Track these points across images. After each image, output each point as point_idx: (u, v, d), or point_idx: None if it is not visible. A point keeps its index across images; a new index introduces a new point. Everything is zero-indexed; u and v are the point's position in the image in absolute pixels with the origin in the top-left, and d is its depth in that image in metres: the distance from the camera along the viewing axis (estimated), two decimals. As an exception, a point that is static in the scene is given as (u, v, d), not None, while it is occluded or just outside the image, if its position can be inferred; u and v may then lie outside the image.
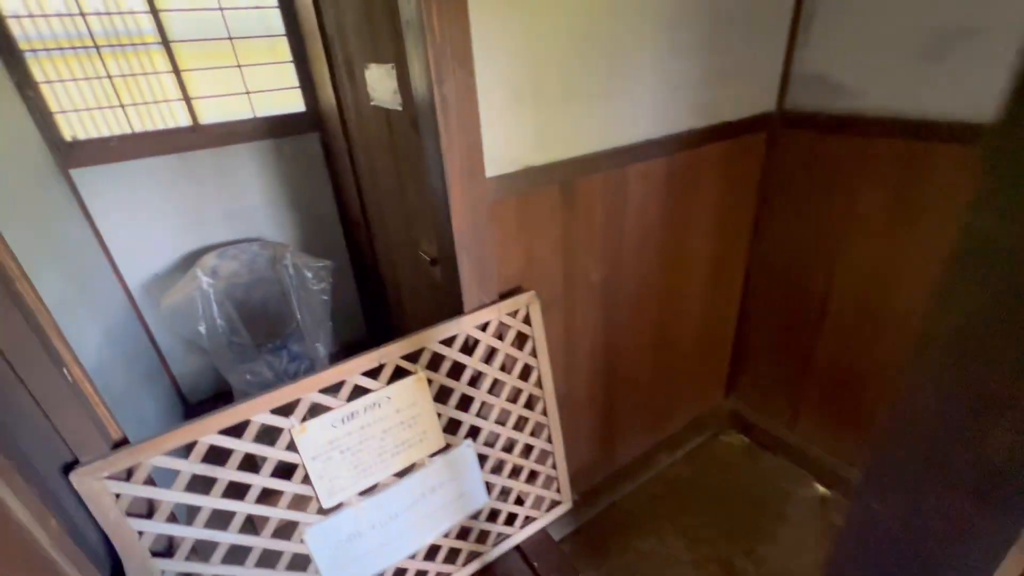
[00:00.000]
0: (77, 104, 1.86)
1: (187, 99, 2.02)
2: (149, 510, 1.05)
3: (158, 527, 1.03)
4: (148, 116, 2.00)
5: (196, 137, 2.06)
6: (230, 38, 2.04)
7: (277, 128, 2.21)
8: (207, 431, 1.04)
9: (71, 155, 1.86)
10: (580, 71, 1.29)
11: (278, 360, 2.13)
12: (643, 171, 1.54)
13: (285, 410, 1.12)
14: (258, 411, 1.08)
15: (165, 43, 1.92)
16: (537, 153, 1.31)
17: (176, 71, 1.96)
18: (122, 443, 1.03)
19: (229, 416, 1.06)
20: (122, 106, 1.93)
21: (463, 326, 1.30)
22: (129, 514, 1.01)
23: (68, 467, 0.94)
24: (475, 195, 1.22)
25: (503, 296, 1.40)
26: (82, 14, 1.78)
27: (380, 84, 1.37)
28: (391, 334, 2.40)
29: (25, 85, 1.71)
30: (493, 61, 1.14)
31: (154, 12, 1.87)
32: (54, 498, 0.93)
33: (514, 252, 1.38)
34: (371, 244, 2.13)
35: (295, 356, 2.18)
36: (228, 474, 1.08)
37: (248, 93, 2.14)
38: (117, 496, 0.98)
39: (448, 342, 1.29)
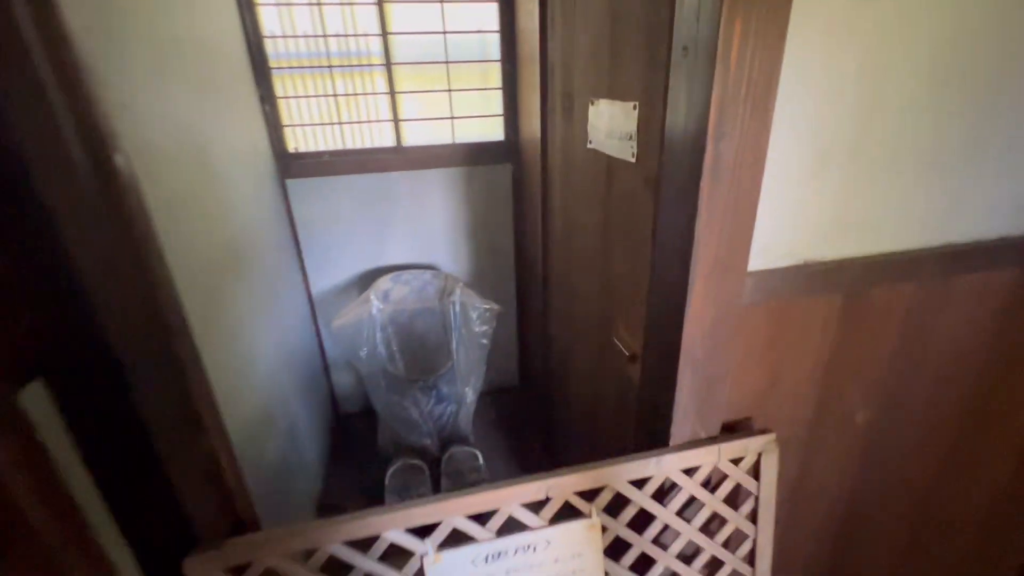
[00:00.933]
0: (303, 119, 1.95)
1: (396, 120, 2.01)
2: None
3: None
4: (359, 134, 2.03)
5: (397, 158, 2.04)
6: (447, 62, 1.98)
7: (473, 155, 2.10)
8: (332, 539, 0.83)
9: (291, 165, 1.95)
10: (925, 126, 0.84)
11: (426, 399, 1.99)
12: (978, 285, 1.00)
13: (422, 530, 0.87)
14: (391, 527, 0.85)
15: (388, 65, 1.93)
16: (826, 244, 0.89)
17: (392, 92, 1.96)
18: (247, 526, 0.89)
19: (359, 526, 0.84)
20: (340, 123, 1.98)
21: (665, 467, 0.93)
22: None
23: (187, 546, 0.80)
24: (725, 294, 0.85)
25: (727, 429, 0.99)
26: (324, 35, 1.85)
27: (609, 125, 1.08)
28: (548, 404, 2.15)
29: (266, 99, 1.82)
30: (799, 109, 0.76)
31: (384, 35, 1.88)
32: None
33: (754, 373, 0.97)
34: (544, 294, 1.87)
35: (443, 398, 2.02)
36: (344, 595, 0.86)
37: (452, 118, 2.07)
38: (226, 592, 0.82)
39: (639, 483, 0.93)
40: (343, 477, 2.10)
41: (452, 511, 0.86)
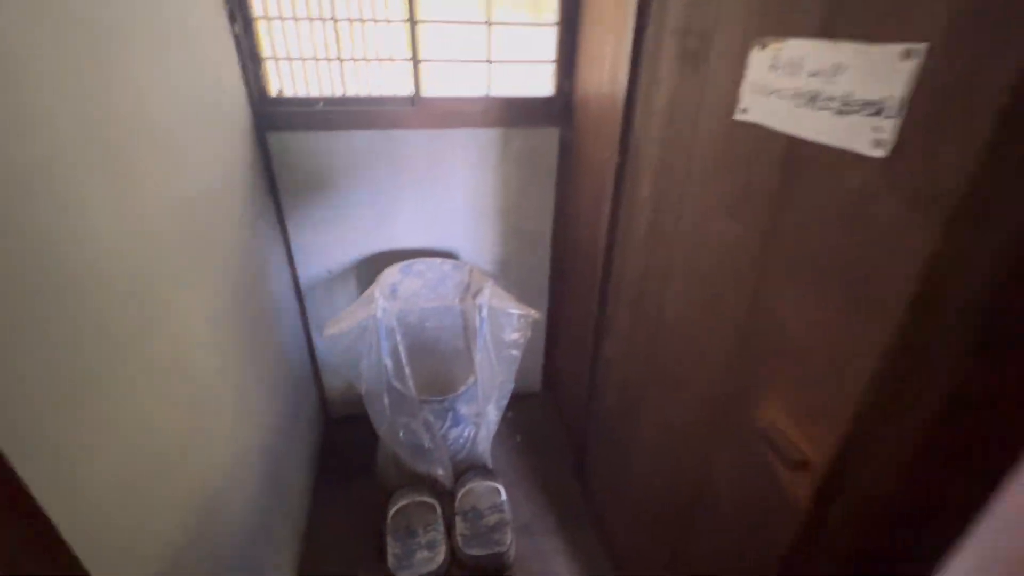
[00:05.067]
0: (291, 53, 1.45)
1: (415, 60, 1.51)
2: None
3: None
4: (366, 77, 1.54)
5: (414, 113, 1.56)
6: (486, -17, 1.47)
7: (512, 114, 1.63)
8: None
9: (274, 115, 1.46)
10: None
11: (439, 422, 1.60)
12: None
13: None
14: None
15: (407, -18, 1.41)
16: None
17: (412, 20, 1.45)
18: None
19: None
20: (340, 60, 1.48)
21: None
22: None
23: None
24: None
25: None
26: (322, -68, 1.33)
27: (812, 85, 0.64)
28: (587, 428, 1.69)
29: (237, 18, 1.31)
30: None
31: (404, -62, 1.36)
32: None
33: None
34: (601, 304, 1.45)
35: (459, 420, 1.63)
36: None
37: (489, 62, 1.57)
38: None
39: None
40: (333, 511, 1.72)
41: None
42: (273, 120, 1.47)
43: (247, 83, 1.39)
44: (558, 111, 1.64)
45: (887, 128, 0.54)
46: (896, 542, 0.58)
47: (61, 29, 0.66)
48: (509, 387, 1.66)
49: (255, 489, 1.21)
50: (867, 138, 0.56)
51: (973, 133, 0.46)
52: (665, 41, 0.99)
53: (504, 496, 1.66)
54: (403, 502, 1.60)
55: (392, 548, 1.51)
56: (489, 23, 1.52)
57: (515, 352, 1.61)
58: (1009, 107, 0.43)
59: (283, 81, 1.49)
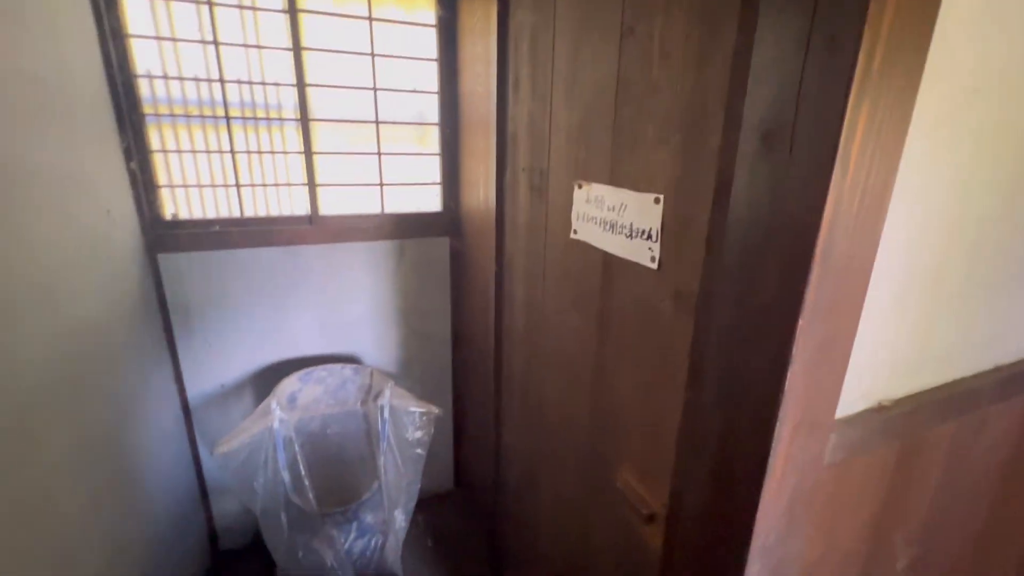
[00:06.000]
0: (187, 180, 1.54)
1: (312, 184, 1.67)
2: None
3: None
4: (263, 200, 1.65)
5: (311, 230, 1.68)
6: (376, 122, 1.71)
7: (404, 227, 1.81)
8: None
9: (166, 237, 1.50)
10: (1003, 241, 0.71)
11: (343, 535, 1.54)
12: (1005, 414, 0.89)
13: None
14: None
15: (304, 120, 1.61)
16: (901, 379, 0.71)
17: (307, 152, 1.63)
18: None
19: None
20: (237, 186, 1.60)
21: None
22: None
23: None
24: (809, 455, 0.63)
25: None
26: (222, 80, 1.50)
27: (610, 217, 0.87)
28: (499, 520, 1.72)
29: (134, 153, 1.40)
30: (900, 222, 0.59)
31: (301, 86, 1.57)
32: None
33: (812, 542, 0.75)
34: (496, 396, 1.57)
35: (365, 530, 1.59)
36: None
37: (381, 185, 1.77)
38: None
39: None
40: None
41: None
42: (165, 242, 1.51)
43: (140, 211, 1.44)
44: (447, 223, 1.86)
45: (655, 251, 0.76)
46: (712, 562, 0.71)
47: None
48: (416, 488, 1.67)
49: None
50: (647, 256, 0.78)
51: (695, 257, 0.68)
52: (519, 175, 1.24)
53: (416, 609, 1.59)
54: (304, 635, 1.47)
55: None
56: (380, 153, 1.74)
57: (420, 451, 1.65)
58: (716, 248, 0.65)
59: (178, 205, 1.56)
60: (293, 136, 1.64)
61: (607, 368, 0.93)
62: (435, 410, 1.62)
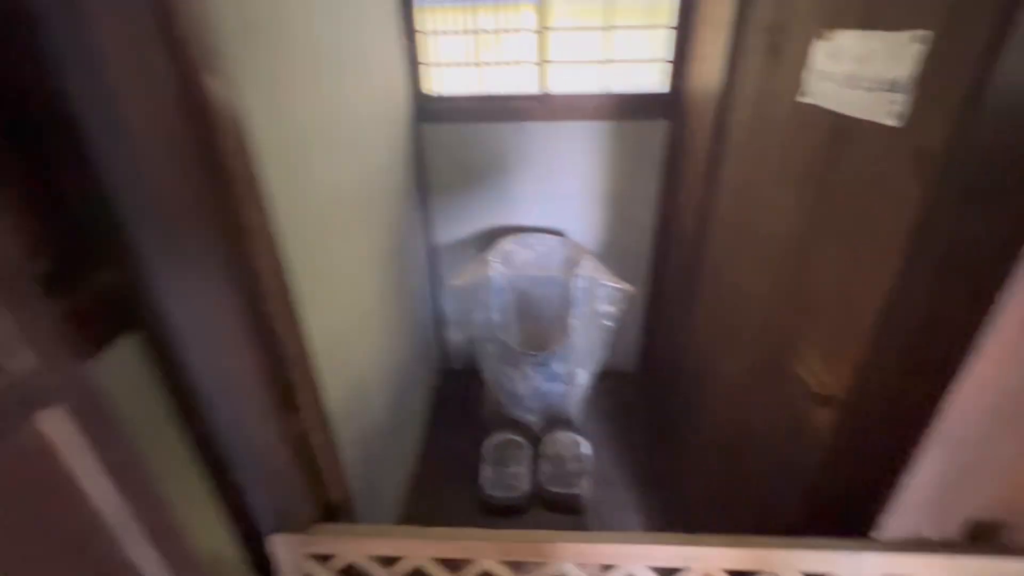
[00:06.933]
0: (442, 59, 1.80)
1: (542, 63, 1.77)
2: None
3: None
4: (499, 78, 1.84)
5: (540, 107, 1.82)
6: (609, -7, 1.67)
7: (625, 109, 1.81)
8: (422, 552, 0.72)
9: (427, 109, 1.84)
10: None
11: (536, 375, 1.85)
12: None
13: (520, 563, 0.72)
14: (489, 556, 0.71)
15: (540, -2, 1.68)
16: None
17: (541, 30, 1.72)
18: (339, 510, 0.81)
19: (452, 547, 0.71)
20: (479, 64, 1.81)
21: (865, 568, 0.66)
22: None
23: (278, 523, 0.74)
24: (1040, 354, 0.53)
25: (968, 535, 0.68)
26: (475, -38, 1.65)
27: (853, 68, 0.75)
28: (671, 406, 1.86)
29: (408, 33, 1.70)
30: None
31: (541, -39, 1.63)
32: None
33: (1011, 450, 0.63)
34: (693, 282, 1.57)
35: (552, 376, 1.86)
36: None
37: (606, 62, 1.78)
38: (307, 578, 0.75)
39: (820, 578, 0.68)
40: (443, 438, 2.07)
41: (561, 555, 0.69)
42: (427, 114, 1.85)
43: (410, 84, 1.78)
44: (668, 106, 1.78)
45: (902, 101, 0.65)
46: (872, 465, 0.68)
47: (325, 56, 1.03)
48: (600, 355, 1.86)
49: (389, 398, 1.57)
50: (887, 110, 0.68)
51: (955, 105, 0.57)
52: (757, 38, 1.11)
53: (585, 449, 1.86)
54: (499, 438, 1.89)
55: (485, 473, 1.80)
56: (606, 28, 1.72)
57: (608, 323, 1.80)
58: (976, 86, 0.54)
59: (436, 82, 1.86)
60: (529, 15, 1.74)
61: (811, 246, 0.87)
62: (628, 287, 1.72)
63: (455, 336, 2.34)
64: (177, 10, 0.45)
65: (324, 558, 0.75)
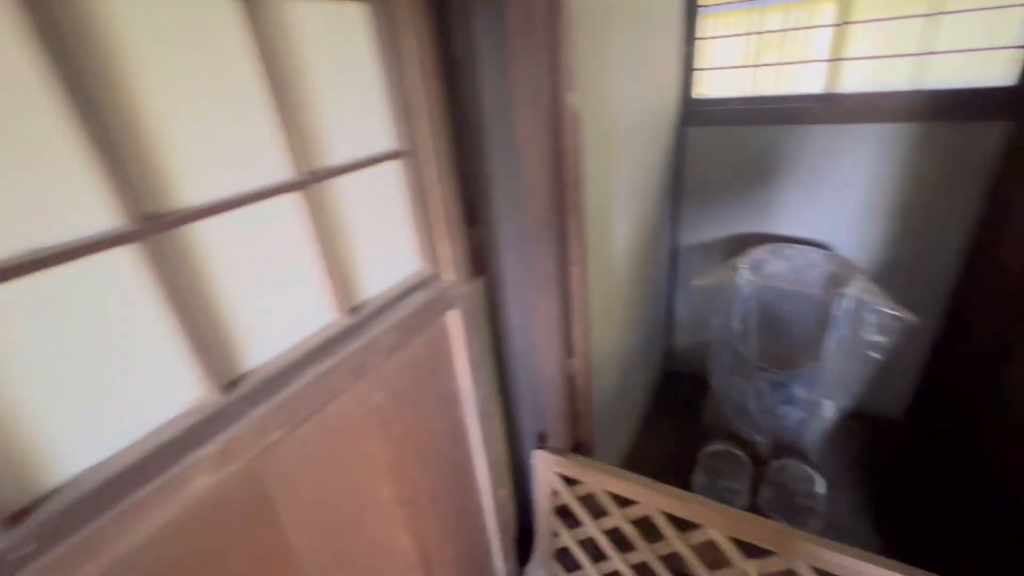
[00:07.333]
0: (715, 62, 1.81)
1: (835, 61, 1.62)
2: (576, 520, 0.98)
3: (570, 543, 0.95)
4: (775, 80, 1.76)
5: (823, 108, 1.68)
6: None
7: (942, 108, 1.53)
8: (652, 502, 0.82)
9: (693, 112, 1.88)
10: None
11: (772, 394, 1.73)
12: None
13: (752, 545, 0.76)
14: (719, 527, 0.77)
15: (845, -12, 1.54)
16: None
17: (840, 24, 1.57)
18: (585, 447, 0.97)
19: (684, 508, 0.79)
20: (755, 66, 1.76)
21: None
22: (559, 511, 0.96)
23: (541, 439, 0.94)
24: None
25: None
26: (772, -40, 1.61)
27: None
28: (959, 470, 1.46)
29: (688, 40, 1.76)
30: None
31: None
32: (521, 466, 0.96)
33: None
34: (1017, 326, 1.26)
35: (790, 399, 1.72)
36: (644, 555, 0.85)
37: (922, 54, 1.52)
38: (555, 493, 0.94)
39: None
40: (656, 438, 2.11)
41: (795, 551, 0.71)
42: (692, 117, 1.89)
43: (681, 87, 1.84)
44: (1009, 103, 1.43)
45: None
46: None
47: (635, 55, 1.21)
48: (856, 390, 1.63)
49: (616, 375, 1.70)
50: None
51: None
52: None
53: (820, 487, 1.66)
54: (717, 447, 1.84)
55: (698, 479, 1.78)
56: (927, 15, 1.47)
57: (875, 354, 1.57)
58: None
59: (705, 85, 1.88)
60: (827, 10, 1.61)
61: None
62: (909, 317, 1.47)
63: (682, 339, 2.34)
64: (559, 42, 0.63)
65: (571, 482, 0.92)
